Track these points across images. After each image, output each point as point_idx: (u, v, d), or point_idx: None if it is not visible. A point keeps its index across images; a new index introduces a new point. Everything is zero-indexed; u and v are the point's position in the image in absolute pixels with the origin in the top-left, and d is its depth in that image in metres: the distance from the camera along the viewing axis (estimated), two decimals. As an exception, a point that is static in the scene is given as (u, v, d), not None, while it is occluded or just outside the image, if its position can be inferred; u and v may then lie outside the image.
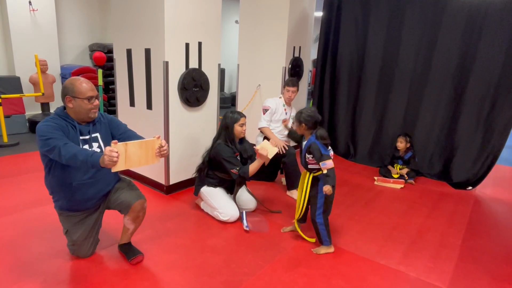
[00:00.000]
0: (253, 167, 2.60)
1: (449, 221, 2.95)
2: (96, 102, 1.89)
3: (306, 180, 2.33)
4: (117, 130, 2.04)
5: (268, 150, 2.51)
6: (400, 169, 3.94)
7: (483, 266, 2.30)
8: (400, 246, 2.48)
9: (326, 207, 2.30)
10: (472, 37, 3.62)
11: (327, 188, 2.17)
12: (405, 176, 3.83)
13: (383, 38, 4.19)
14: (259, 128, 3.51)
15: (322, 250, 2.34)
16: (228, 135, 2.72)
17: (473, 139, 3.76)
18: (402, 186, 3.70)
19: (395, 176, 3.88)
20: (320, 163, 2.18)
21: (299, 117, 2.28)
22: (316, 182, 2.30)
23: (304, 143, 2.32)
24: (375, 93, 4.37)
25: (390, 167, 4.01)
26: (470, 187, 3.77)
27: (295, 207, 2.56)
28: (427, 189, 3.72)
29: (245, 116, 2.76)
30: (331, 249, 2.35)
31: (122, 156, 1.61)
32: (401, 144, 3.92)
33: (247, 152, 2.84)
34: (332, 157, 2.23)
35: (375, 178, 3.89)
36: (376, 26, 4.22)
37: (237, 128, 2.71)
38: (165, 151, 1.80)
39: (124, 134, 2.03)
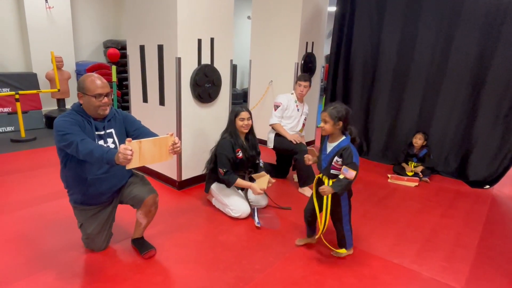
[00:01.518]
0: (240, 182, 2.66)
1: (465, 221, 2.88)
2: (105, 99, 1.89)
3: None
4: (131, 126, 2.06)
5: (260, 188, 2.62)
6: (414, 166, 3.86)
7: (501, 267, 2.23)
8: (413, 245, 2.44)
9: (350, 212, 2.16)
10: (491, 32, 3.51)
11: (326, 188, 1.98)
12: (420, 174, 3.76)
13: (398, 33, 4.10)
14: (270, 125, 3.49)
15: (344, 253, 2.24)
16: (232, 130, 2.72)
17: (491, 136, 3.65)
18: (417, 184, 3.64)
19: (410, 173, 3.81)
20: (344, 166, 1.95)
21: (338, 114, 1.96)
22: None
23: (334, 145, 2.03)
24: (390, 89, 4.29)
25: (404, 164, 3.94)
26: (487, 186, 3.67)
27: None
28: (443, 187, 3.64)
29: (248, 111, 2.70)
30: (351, 251, 2.27)
31: (136, 154, 1.62)
32: (419, 141, 3.84)
33: (255, 149, 2.82)
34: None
35: (389, 175, 3.83)
36: (391, 21, 4.13)
37: (237, 122, 2.69)
38: (178, 148, 1.80)
39: (138, 131, 2.05)
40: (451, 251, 2.38)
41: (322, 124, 2.02)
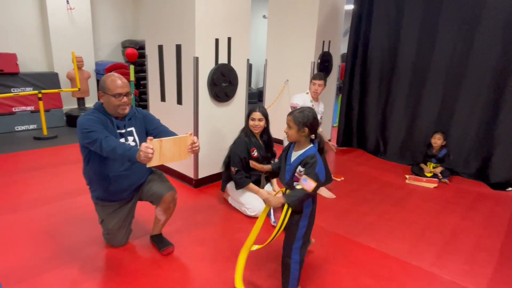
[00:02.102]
0: (252, 187, 2.69)
1: (486, 223, 2.81)
2: (124, 99, 1.93)
3: None
4: (150, 125, 2.10)
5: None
6: (433, 167, 3.79)
7: (524, 271, 2.17)
8: (433, 247, 2.40)
9: (306, 237, 1.75)
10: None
11: (272, 198, 1.71)
12: (439, 175, 3.68)
13: (417, 31, 4.02)
14: None
15: None
16: (247, 129, 2.75)
17: (515, 137, 3.55)
18: (436, 185, 3.56)
19: (428, 174, 3.73)
20: (303, 176, 1.63)
21: (303, 119, 1.68)
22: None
23: (300, 153, 1.72)
24: (408, 88, 4.22)
25: (422, 165, 3.87)
26: (510, 188, 3.56)
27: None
28: (463, 189, 3.56)
29: (262, 112, 2.68)
30: None
31: (157, 152, 1.66)
32: (438, 141, 3.76)
33: (270, 150, 2.83)
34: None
35: (407, 176, 3.76)
36: (410, 19, 4.06)
37: (249, 121, 2.71)
38: (197, 148, 1.83)
39: (157, 129, 2.09)
40: (472, 254, 2.33)
41: (285, 129, 1.76)
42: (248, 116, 2.72)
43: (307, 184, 1.61)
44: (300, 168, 1.70)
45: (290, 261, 1.74)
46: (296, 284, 1.79)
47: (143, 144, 1.61)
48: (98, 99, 1.99)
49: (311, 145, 1.74)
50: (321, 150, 1.75)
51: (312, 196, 1.68)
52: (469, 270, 2.15)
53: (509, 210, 3.08)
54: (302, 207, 1.70)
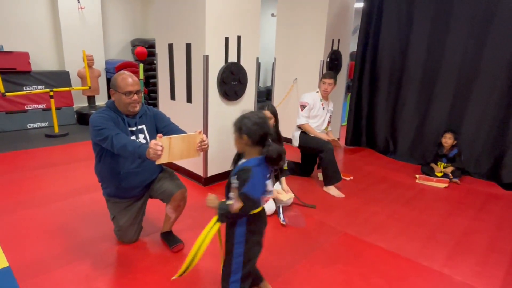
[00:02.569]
0: None
1: (498, 224, 2.77)
2: (135, 97, 1.95)
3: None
4: (161, 123, 2.12)
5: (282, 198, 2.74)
6: (444, 167, 3.74)
7: (538, 273, 2.14)
8: (444, 248, 2.37)
9: (247, 269, 1.52)
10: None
11: (212, 197, 1.51)
12: (450, 175, 3.64)
13: (428, 29, 3.97)
14: (298, 125, 3.48)
15: None
16: None
17: (528, 137, 3.49)
18: (446, 185, 3.52)
19: (439, 174, 3.69)
20: (232, 194, 1.44)
21: (240, 124, 1.46)
22: (232, 225, 1.51)
23: (242, 162, 1.51)
24: (418, 86, 4.17)
25: (433, 165, 3.82)
26: (522, 189, 3.51)
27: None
28: (474, 189, 3.51)
29: (270, 110, 2.71)
30: None
31: (166, 150, 1.67)
32: (449, 140, 3.72)
33: None
34: (264, 200, 1.51)
35: (417, 176, 3.73)
36: (421, 16, 4.01)
37: None
38: (206, 146, 1.84)
39: (167, 127, 2.11)
40: (484, 256, 2.30)
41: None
42: None
43: (232, 203, 1.42)
44: (233, 179, 1.47)
45: (228, 284, 1.52)
46: None
47: (153, 141, 1.63)
48: (109, 97, 2.01)
49: (257, 156, 1.46)
50: (270, 160, 1.43)
51: (240, 216, 1.44)
52: (481, 271, 2.12)
53: (522, 211, 3.04)
54: (232, 220, 1.49)
